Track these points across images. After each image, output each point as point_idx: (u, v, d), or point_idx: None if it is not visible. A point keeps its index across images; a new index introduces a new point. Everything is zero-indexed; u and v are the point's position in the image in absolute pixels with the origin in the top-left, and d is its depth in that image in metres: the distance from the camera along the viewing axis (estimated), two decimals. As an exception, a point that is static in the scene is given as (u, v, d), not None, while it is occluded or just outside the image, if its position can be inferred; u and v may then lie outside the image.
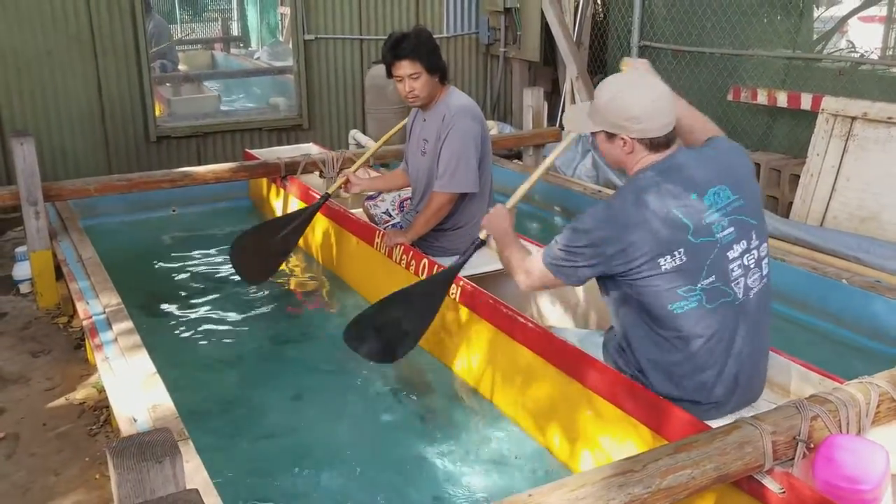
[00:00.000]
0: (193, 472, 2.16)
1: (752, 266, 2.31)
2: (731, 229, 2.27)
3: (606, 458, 2.50)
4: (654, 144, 2.30)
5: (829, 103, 4.96)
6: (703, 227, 2.23)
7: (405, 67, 3.53)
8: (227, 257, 4.14)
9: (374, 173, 5.05)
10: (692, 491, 1.86)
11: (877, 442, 1.97)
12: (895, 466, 2.04)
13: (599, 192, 5.14)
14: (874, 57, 6.38)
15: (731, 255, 2.26)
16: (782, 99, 5.42)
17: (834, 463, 1.93)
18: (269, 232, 4.09)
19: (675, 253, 2.21)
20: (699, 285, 2.24)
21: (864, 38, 8.88)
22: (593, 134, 2.40)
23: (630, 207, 2.24)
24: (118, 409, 2.51)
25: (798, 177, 5.28)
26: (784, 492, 1.92)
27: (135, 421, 2.44)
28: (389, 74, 3.63)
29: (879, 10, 8.11)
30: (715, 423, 2.41)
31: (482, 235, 2.97)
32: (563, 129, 6.19)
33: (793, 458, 2.01)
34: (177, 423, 2.39)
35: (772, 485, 1.95)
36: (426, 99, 3.63)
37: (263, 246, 4.04)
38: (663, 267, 2.22)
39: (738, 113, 6.01)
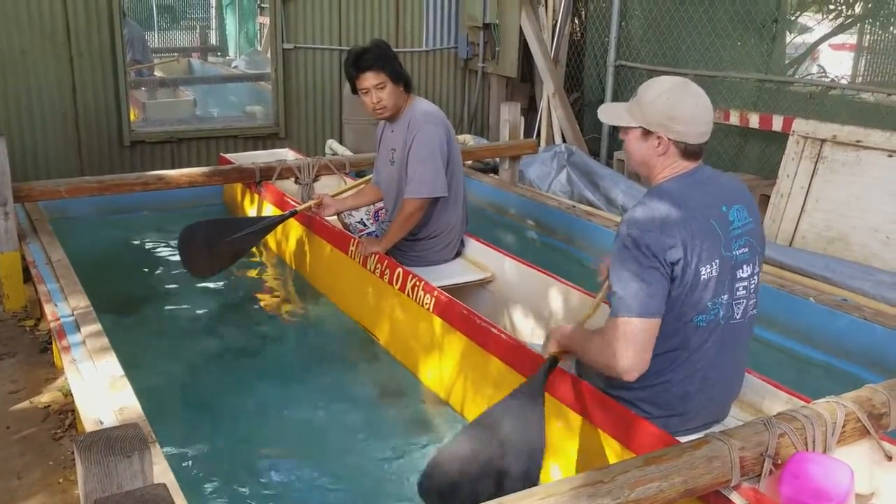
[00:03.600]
0: (160, 474, 2.12)
1: (752, 290, 2.33)
2: (746, 249, 2.28)
3: (576, 471, 2.51)
4: (687, 152, 2.27)
5: (800, 125, 5.05)
6: (728, 242, 2.24)
7: (370, 79, 3.57)
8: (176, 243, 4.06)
9: (349, 180, 5.06)
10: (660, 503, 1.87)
11: (842, 460, 1.99)
12: (859, 485, 2.07)
13: (573, 206, 5.18)
14: (844, 82, 6.52)
15: (740, 274, 2.28)
16: (754, 120, 5.51)
17: (800, 479, 1.95)
18: (226, 229, 4.06)
19: (713, 263, 2.19)
20: (720, 300, 2.24)
21: (835, 64, 9.09)
22: (625, 131, 2.35)
23: (673, 208, 2.18)
24: (84, 412, 2.47)
25: (768, 197, 5.36)
26: (750, 506, 1.94)
27: (101, 423, 2.40)
28: (354, 90, 3.67)
29: (849, 38, 8.31)
30: (683, 439, 2.46)
31: (552, 351, 2.49)
32: (537, 143, 6.22)
33: (760, 474, 2.03)
34: (144, 426, 2.36)
35: (739, 500, 1.96)
36: (393, 109, 3.66)
37: (216, 242, 4.01)
38: (703, 276, 2.19)
39: (711, 134, 6.09)
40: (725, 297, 2.25)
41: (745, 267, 2.28)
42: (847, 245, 4.74)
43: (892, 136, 4.60)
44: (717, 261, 2.20)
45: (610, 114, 2.44)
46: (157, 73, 9.70)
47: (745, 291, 2.30)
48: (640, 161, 2.35)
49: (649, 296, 2.13)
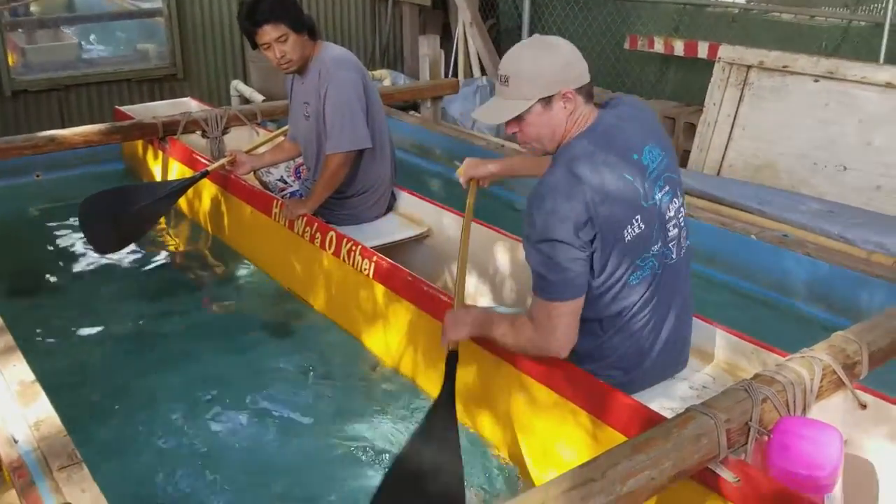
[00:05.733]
0: (92, 503, 1.89)
1: (682, 225, 2.24)
2: (667, 188, 2.16)
3: (539, 441, 2.40)
4: (588, 93, 2.13)
5: (726, 52, 4.97)
6: (648, 191, 2.10)
7: (269, 33, 3.24)
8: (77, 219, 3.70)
9: (262, 131, 4.72)
10: (651, 493, 1.76)
11: (830, 425, 1.91)
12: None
13: (502, 146, 4.98)
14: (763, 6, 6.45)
15: (668, 215, 2.17)
16: (679, 47, 5.40)
17: (790, 449, 1.87)
18: (131, 198, 3.70)
19: (635, 221, 2.07)
20: (651, 251, 2.14)
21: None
22: (515, 122, 2.12)
23: (580, 183, 2.01)
24: (-6, 429, 2.18)
25: (692, 125, 5.30)
26: (739, 481, 1.85)
27: (15, 442, 2.11)
28: (254, 45, 3.33)
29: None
30: (646, 392, 2.36)
31: (451, 347, 2.42)
32: (458, 81, 5.96)
33: (745, 444, 1.94)
34: (66, 444, 2.08)
35: (726, 474, 1.86)
36: (300, 61, 3.35)
37: (122, 213, 3.65)
38: (627, 238, 2.07)
39: (632, 60, 5.98)
40: (657, 245, 2.15)
41: (671, 206, 2.18)
42: (775, 172, 4.73)
43: (818, 60, 4.56)
44: (639, 216, 2.08)
45: (497, 114, 2.16)
46: (34, 8, 8.85)
47: (676, 230, 2.22)
48: (549, 135, 2.13)
49: (577, 275, 2.06)
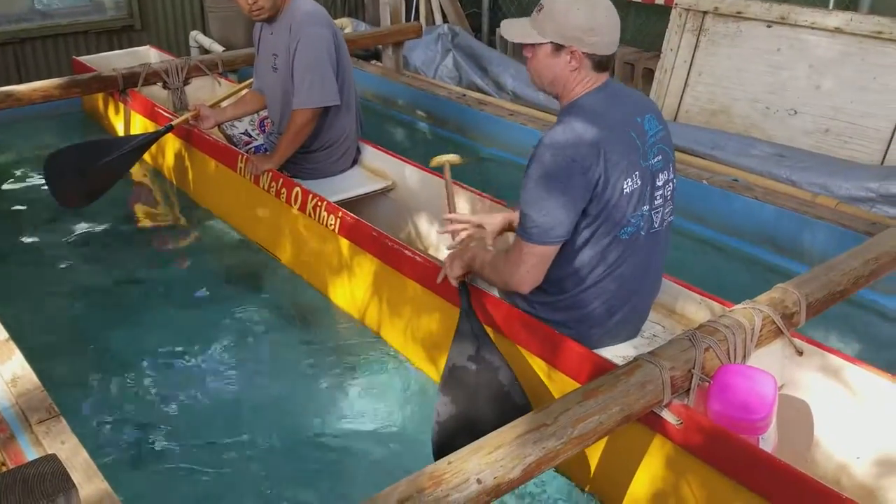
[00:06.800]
0: (72, 453, 1.97)
1: (668, 197, 2.33)
2: (660, 157, 2.26)
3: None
4: (600, 64, 2.19)
5: (683, -3, 5.01)
6: (646, 152, 2.21)
7: None
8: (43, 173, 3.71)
9: (224, 81, 4.71)
10: (600, 435, 1.90)
11: (766, 371, 2.06)
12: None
13: (464, 95, 5.02)
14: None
15: (658, 182, 2.27)
16: (638, -7, 5.43)
17: (728, 393, 2.01)
18: (96, 152, 3.70)
19: (634, 175, 2.17)
20: (641, 211, 2.23)
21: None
22: (530, 49, 2.23)
23: (593, 126, 2.12)
24: (-30, 388, 2.25)
25: (650, 70, 5.37)
26: (681, 423, 1.99)
27: (-7, 400, 2.19)
28: None
29: None
30: (607, 350, 2.49)
31: (455, 281, 2.53)
32: (421, 25, 5.94)
33: (688, 390, 2.08)
34: (44, 398, 2.16)
35: (670, 417, 2.02)
36: (271, 9, 3.35)
37: (87, 168, 3.66)
38: (626, 190, 2.16)
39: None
40: (646, 207, 2.25)
41: (660, 175, 2.28)
42: (729, 117, 4.85)
43: (771, 6, 4.64)
44: (638, 172, 2.19)
45: (515, 31, 2.28)
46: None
47: (661, 200, 2.30)
48: (550, 80, 2.24)
49: (559, 223, 2.15)
